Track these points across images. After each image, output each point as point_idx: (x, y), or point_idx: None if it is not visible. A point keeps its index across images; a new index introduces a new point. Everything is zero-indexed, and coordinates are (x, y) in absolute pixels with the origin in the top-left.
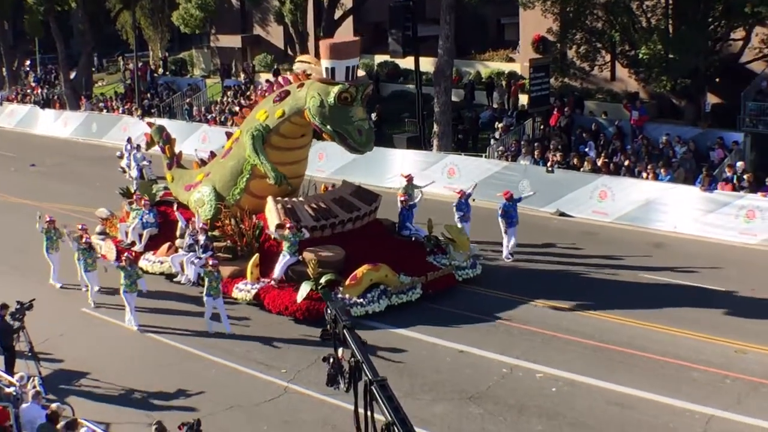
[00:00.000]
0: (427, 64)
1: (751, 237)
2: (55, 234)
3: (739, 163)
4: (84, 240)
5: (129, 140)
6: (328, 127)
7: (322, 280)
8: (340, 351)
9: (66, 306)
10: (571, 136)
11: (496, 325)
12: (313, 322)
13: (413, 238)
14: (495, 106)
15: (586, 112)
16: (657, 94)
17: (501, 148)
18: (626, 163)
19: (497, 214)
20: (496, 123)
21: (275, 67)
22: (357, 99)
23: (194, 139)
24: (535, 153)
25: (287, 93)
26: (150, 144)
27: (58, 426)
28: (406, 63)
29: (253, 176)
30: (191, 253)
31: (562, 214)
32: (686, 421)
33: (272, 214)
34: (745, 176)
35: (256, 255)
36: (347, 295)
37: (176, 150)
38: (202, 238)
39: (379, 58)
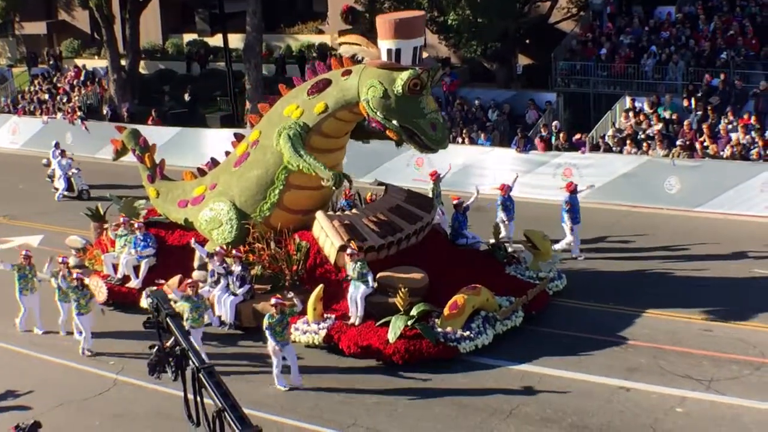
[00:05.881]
0: (236, 41)
1: None
2: (31, 272)
3: (554, 123)
4: (75, 276)
5: (56, 145)
6: (394, 122)
7: (414, 312)
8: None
9: None
10: None
11: None
12: (412, 367)
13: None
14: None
15: None
16: (468, 59)
17: None
18: None
19: (562, 209)
20: None
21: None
22: (427, 87)
23: (4, 131)
24: None
25: (327, 83)
26: (120, 153)
27: None
28: (215, 41)
29: (288, 187)
30: (220, 288)
31: (381, 184)
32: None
33: (329, 234)
34: (560, 135)
35: (320, 287)
36: (449, 329)
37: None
38: (237, 268)
39: (187, 37)
